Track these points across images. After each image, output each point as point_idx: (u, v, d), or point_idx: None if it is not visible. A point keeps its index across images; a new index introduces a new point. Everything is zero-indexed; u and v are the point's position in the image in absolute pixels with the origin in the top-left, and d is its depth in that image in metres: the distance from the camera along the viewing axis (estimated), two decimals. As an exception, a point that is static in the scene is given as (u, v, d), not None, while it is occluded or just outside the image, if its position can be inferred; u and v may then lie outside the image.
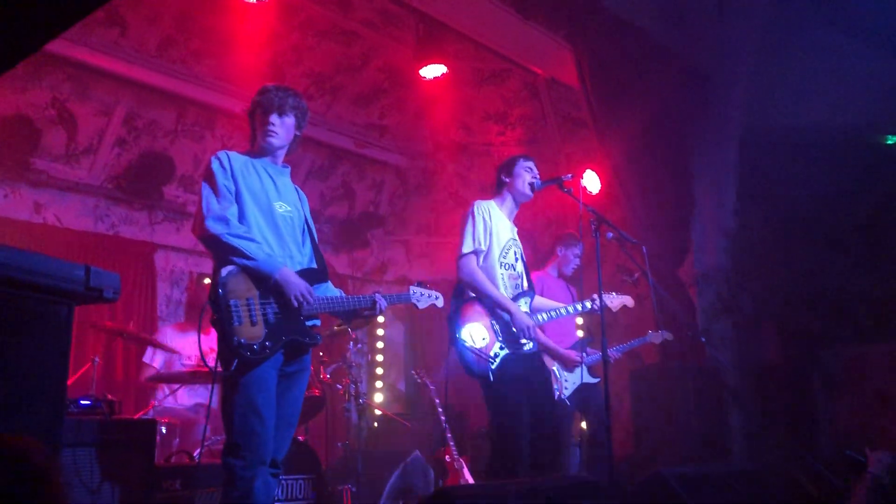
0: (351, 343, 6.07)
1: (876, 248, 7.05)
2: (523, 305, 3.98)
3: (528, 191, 4.13)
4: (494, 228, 4.02)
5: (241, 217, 3.12)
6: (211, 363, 3.14)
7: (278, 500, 4.49)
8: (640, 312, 6.62)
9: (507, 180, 4.17)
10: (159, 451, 4.31)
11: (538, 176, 4.17)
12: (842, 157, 6.92)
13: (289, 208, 3.29)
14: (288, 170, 3.40)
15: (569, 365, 5.21)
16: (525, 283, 4.11)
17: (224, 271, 2.99)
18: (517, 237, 4.19)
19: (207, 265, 3.69)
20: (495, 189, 4.24)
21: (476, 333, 3.76)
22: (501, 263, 3.99)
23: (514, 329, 3.85)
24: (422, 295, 3.53)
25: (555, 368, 5.11)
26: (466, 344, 3.71)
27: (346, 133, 7.89)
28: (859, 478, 3.64)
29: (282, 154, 3.36)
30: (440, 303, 3.60)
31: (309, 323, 3.17)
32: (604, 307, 4.04)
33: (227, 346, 2.93)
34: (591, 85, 5.94)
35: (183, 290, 7.04)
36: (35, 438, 1.64)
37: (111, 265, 6.18)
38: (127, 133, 6.49)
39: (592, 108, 5.98)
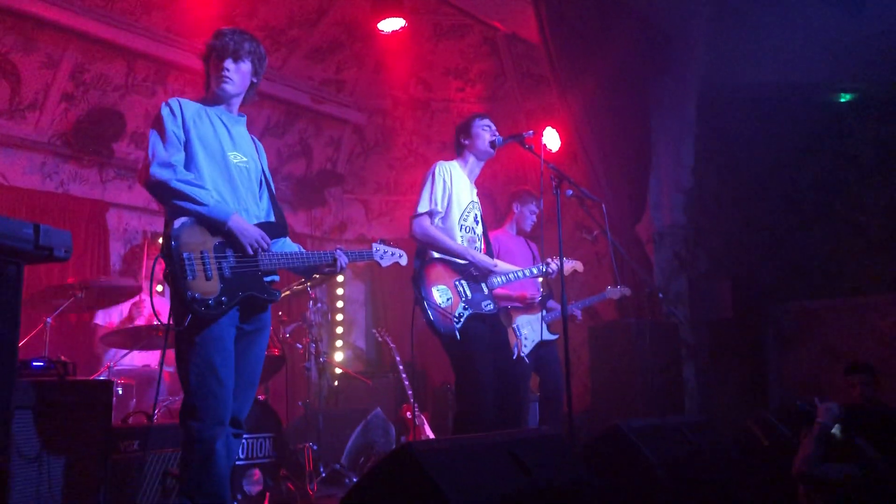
0: (311, 302, 6.04)
1: (829, 205, 7.21)
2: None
3: (489, 149, 4.12)
4: (455, 190, 4.01)
5: (192, 166, 2.98)
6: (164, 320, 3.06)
7: (240, 460, 4.48)
8: (598, 270, 6.71)
9: (467, 142, 4.16)
10: (116, 412, 4.25)
11: (497, 133, 4.15)
12: (797, 116, 7.01)
13: (244, 159, 3.16)
14: (244, 119, 3.27)
15: (528, 309, 5.23)
16: (482, 246, 4.13)
17: (177, 223, 2.86)
18: (477, 199, 4.18)
19: (162, 223, 3.57)
20: (455, 150, 4.22)
21: (440, 294, 3.77)
22: (462, 226, 4.01)
23: (475, 273, 3.92)
24: (385, 252, 3.49)
25: (514, 327, 5.15)
26: (432, 303, 3.71)
27: (303, 89, 7.75)
28: (808, 428, 3.75)
29: (237, 102, 3.22)
30: (403, 261, 3.58)
31: (267, 279, 3.07)
32: (560, 269, 4.08)
33: (181, 301, 2.81)
34: (552, 41, 5.89)
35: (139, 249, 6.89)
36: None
37: (61, 224, 6.01)
38: (74, 87, 6.27)
39: (553, 64, 5.94)
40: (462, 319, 3.75)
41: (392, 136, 8.52)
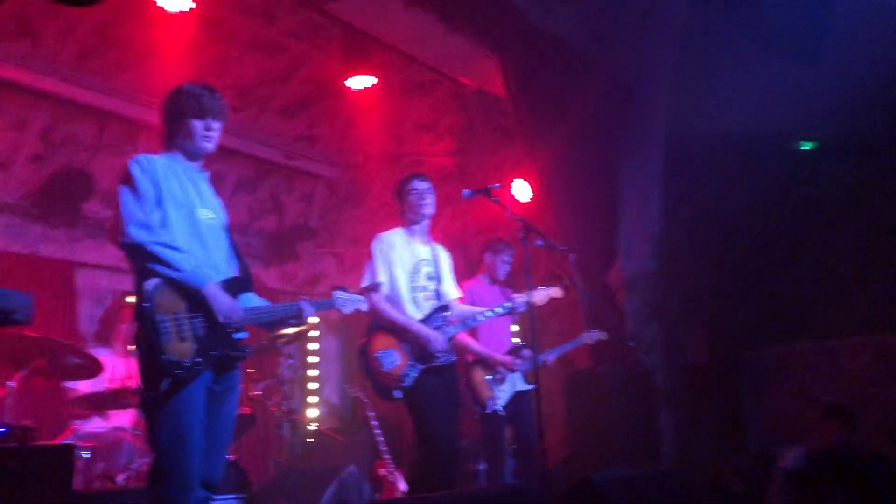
0: (282, 358, 5.98)
1: (797, 250, 7.30)
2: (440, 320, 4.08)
3: (420, 213, 4.17)
4: (397, 257, 4.09)
5: (164, 224, 2.95)
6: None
7: (208, 523, 4.36)
8: (571, 319, 6.72)
9: (401, 206, 4.21)
10: (82, 477, 4.14)
11: (425, 195, 4.17)
12: (763, 162, 7.15)
13: (212, 215, 3.15)
14: (207, 175, 3.26)
15: (506, 368, 5.20)
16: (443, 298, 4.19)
17: (149, 284, 2.83)
18: (434, 254, 4.21)
19: (131, 283, 3.52)
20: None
21: (384, 358, 3.88)
22: (413, 288, 4.08)
23: (421, 345, 3.96)
24: (346, 300, 3.50)
25: (487, 378, 5.11)
26: (372, 371, 3.86)
27: (274, 145, 7.78)
28: (776, 473, 3.76)
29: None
30: (365, 307, 3.60)
31: (237, 336, 3.04)
32: (529, 306, 4.14)
33: (155, 365, 2.76)
34: (518, 95, 6.01)
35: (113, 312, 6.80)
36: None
37: (29, 286, 5.92)
38: (44, 148, 6.25)
39: (520, 119, 6.05)
40: (408, 378, 3.84)
41: (364, 189, 8.56)
